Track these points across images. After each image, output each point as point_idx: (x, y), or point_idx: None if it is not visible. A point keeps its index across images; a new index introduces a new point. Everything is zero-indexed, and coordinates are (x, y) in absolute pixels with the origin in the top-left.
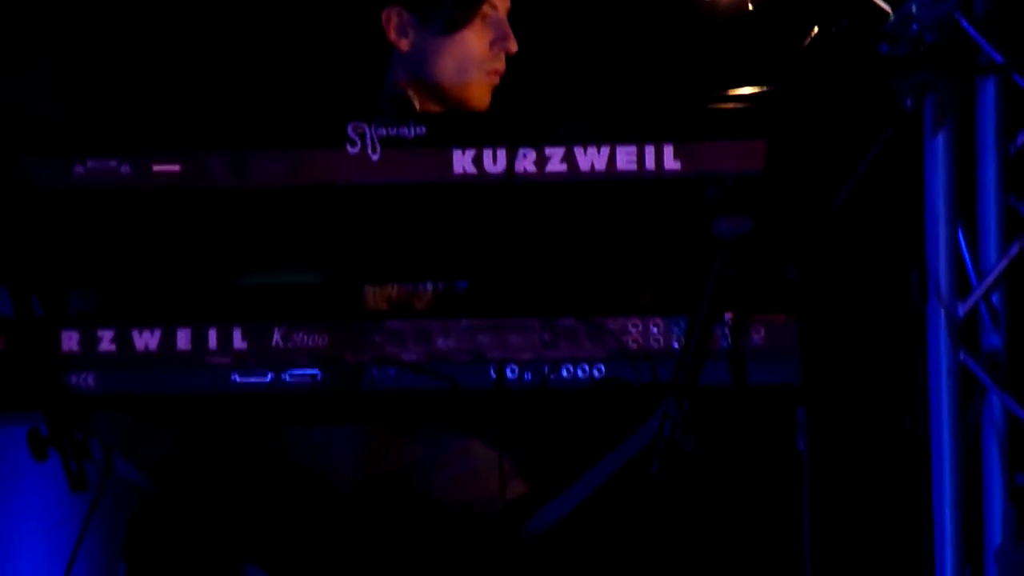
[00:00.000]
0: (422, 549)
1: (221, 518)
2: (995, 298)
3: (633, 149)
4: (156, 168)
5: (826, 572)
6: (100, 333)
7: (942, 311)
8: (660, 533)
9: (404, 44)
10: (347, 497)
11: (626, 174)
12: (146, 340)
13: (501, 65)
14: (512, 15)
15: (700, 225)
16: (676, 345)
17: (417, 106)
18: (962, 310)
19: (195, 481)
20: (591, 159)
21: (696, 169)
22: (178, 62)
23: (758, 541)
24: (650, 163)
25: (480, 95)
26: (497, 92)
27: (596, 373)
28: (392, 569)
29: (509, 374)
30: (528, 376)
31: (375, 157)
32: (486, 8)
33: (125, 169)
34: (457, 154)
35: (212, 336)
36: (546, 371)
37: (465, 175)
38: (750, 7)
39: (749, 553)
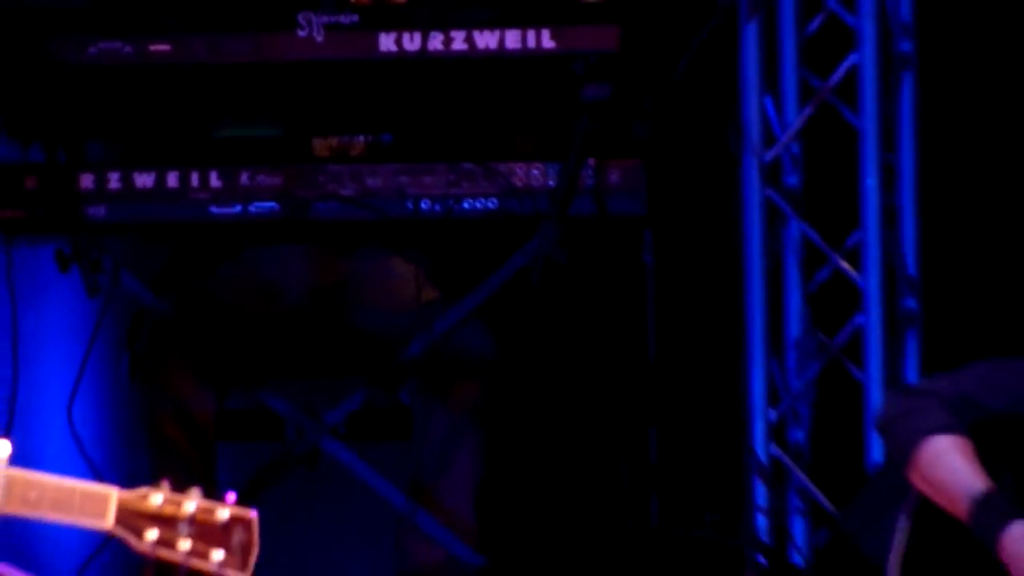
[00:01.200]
0: (357, 345)
1: (206, 316)
2: (794, 148)
3: (519, 32)
4: (151, 48)
5: (667, 354)
6: (109, 175)
7: (754, 158)
8: (540, 328)
9: None
10: (299, 303)
11: (513, 51)
12: (144, 180)
13: None
14: None
15: (570, 91)
16: (552, 183)
17: None
18: (768, 156)
19: (185, 288)
20: (486, 40)
21: (568, 48)
22: None
23: (616, 331)
24: (532, 43)
25: None
26: None
27: (490, 205)
28: (332, 359)
29: (423, 206)
30: (438, 207)
31: (319, 39)
32: None
33: (127, 49)
34: (383, 36)
35: (195, 177)
36: (451, 204)
37: (389, 53)
38: None
39: (609, 339)
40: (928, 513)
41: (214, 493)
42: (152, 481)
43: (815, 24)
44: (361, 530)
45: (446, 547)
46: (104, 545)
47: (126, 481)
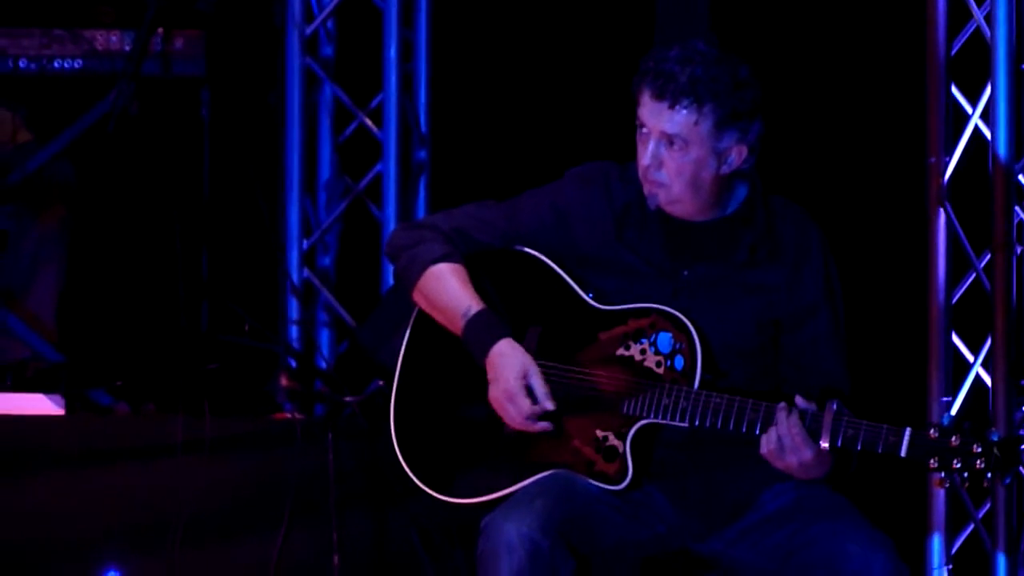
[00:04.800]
0: None
1: None
2: (330, 24)
3: None
4: None
5: (219, 191)
6: None
7: (295, 31)
8: (115, 167)
9: None
10: None
11: None
12: None
13: None
14: None
15: None
16: (127, 48)
17: None
18: (308, 31)
19: None
20: None
21: None
22: None
23: (176, 171)
24: None
25: None
26: None
27: (77, 65)
28: None
29: (21, 64)
30: (33, 66)
31: None
32: None
33: None
34: None
35: None
36: (44, 63)
37: None
38: None
39: (171, 177)
40: (428, 329)
41: None
42: None
43: None
44: None
45: (32, 345)
46: None
47: None
